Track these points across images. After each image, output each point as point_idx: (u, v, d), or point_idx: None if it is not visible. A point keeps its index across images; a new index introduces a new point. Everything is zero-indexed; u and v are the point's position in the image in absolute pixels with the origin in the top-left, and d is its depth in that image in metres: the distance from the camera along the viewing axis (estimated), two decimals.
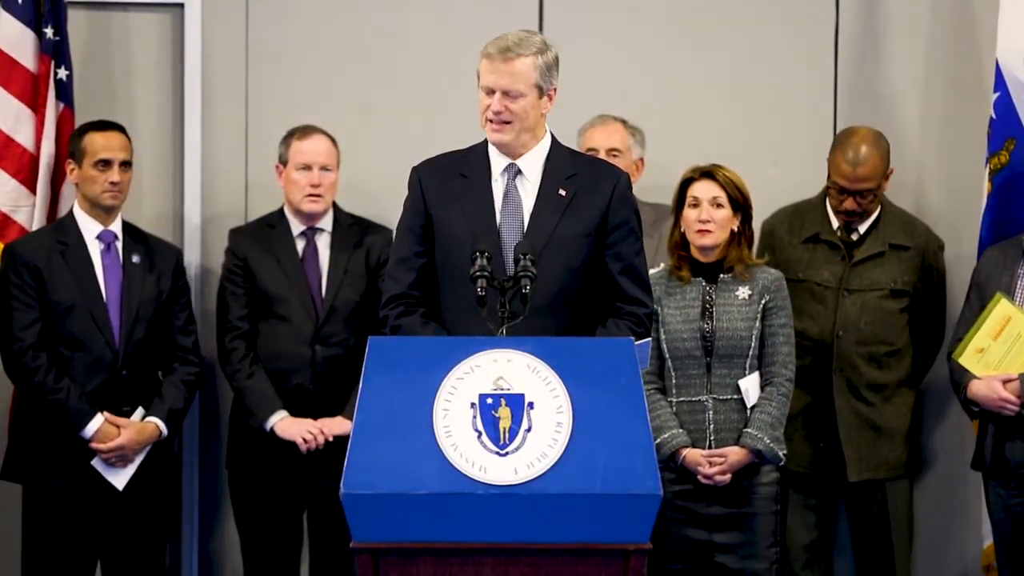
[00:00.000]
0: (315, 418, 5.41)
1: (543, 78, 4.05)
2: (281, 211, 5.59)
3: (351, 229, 5.56)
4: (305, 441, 5.36)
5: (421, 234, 4.15)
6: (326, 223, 5.56)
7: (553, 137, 4.19)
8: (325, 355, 5.44)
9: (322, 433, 5.37)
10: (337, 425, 5.38)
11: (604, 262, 4.13)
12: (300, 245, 5.55)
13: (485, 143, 4.17)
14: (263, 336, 5.49)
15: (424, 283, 4.16)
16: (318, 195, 5.49)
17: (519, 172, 4.13)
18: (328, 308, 5.47)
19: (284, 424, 5.40)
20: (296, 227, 5.56)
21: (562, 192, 4.11)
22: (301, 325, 5.46)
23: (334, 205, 5.59)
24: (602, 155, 5.52)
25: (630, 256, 4.14)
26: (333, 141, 5.56)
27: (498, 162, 4.14)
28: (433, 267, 4.16)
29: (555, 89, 4.10)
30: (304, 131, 5.55)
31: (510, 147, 4.12)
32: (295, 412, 5.42)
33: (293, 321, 5.46)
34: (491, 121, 4.08)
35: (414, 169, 4.22)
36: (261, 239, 5.55)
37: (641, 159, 5.68)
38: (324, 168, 5.50)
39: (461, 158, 4.20)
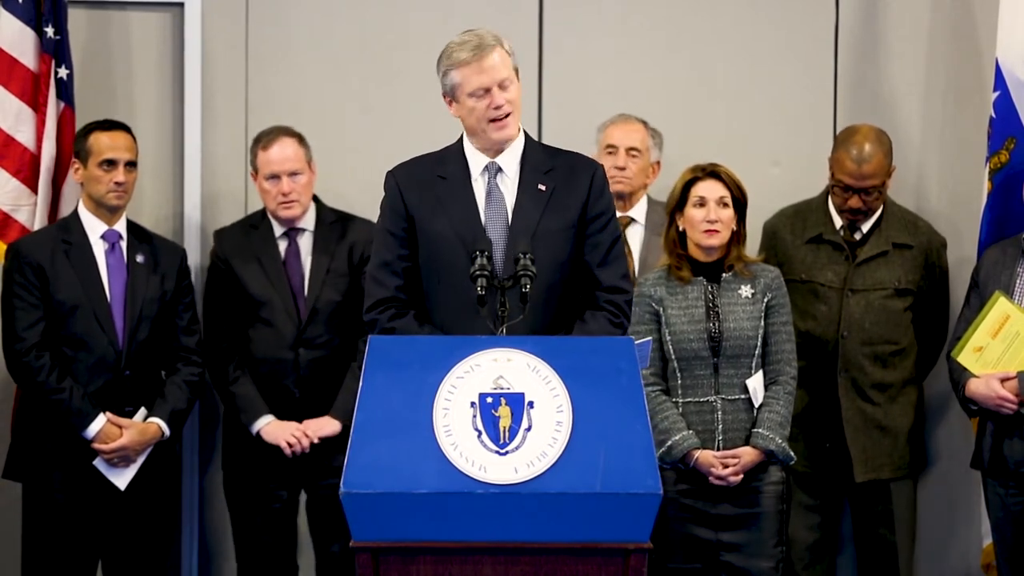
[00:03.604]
0: (301, 420, 5.41)
1: (515, 61, 4.09)
2: (263, 211, 5.55)
3: (333, 227, 5.51)
4: (290, 445, 5.37)
5: (404, 237, 4.13)
6: (308, 222, 5.52)
7: (526, 133, 4.20)
8: (309, 358, 5.41)
9: (306, 436, 5.37)
10: (322, 426, 5.39)
11: (583, 252, 4.12)
12: (283, 246, 5.51)
13: (460, 144, 4.17)
14: (249, 341, 5.46)
15: (410, 286, 4.14)
16: (291, 201, 5.45)
17: (499, 170, 4.13)
18: (310, 310, 5.43)
19: (269, 428, 5.40)
20: (278, 228, 5.52)
21: (541, 187, 4.11)
22: (284, 329, 5.43)
23: (317, 202, 5.54)
24: (622, 153, 5.51)
25: (608, 245, 4.13)
26: (300, 140, 5.48)
27: (476, 161, 4.14)
28: (417, 270, 4.14)
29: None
30: (268, 138, 5.47)
31: (494, 143, 4.12)
32: (282, 415, 5.42)
33: (276, 325, 5.43)
34: (496, 120, 4.07)
35: (390, 173, 4.20)
36: (244, 241, 5.51)
37: (658, 162, 5.65)
38: (293, 174, 5.44)
39: (437, 160, 4.19)
